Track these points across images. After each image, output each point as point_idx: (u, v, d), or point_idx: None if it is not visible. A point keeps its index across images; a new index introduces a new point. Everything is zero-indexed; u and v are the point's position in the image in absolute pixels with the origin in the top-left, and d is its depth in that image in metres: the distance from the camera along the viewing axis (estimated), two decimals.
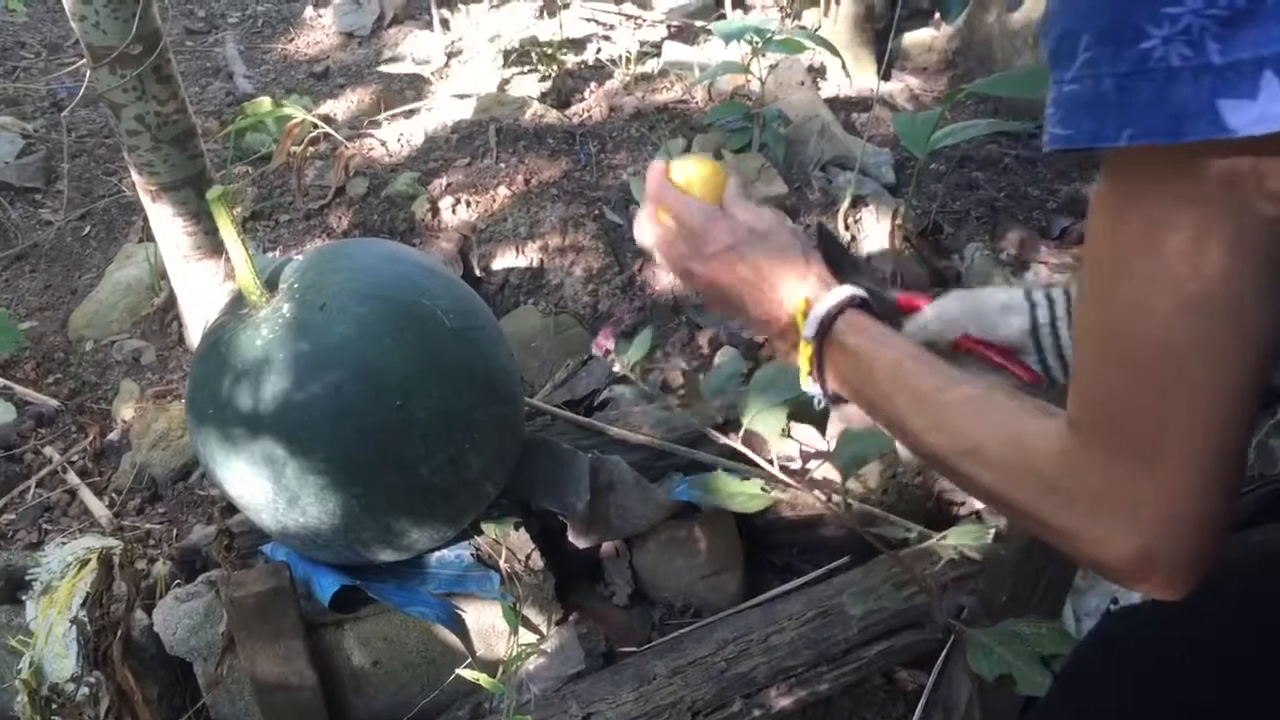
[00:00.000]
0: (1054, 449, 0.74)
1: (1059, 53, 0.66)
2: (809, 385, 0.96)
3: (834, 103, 3.22)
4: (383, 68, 3.60)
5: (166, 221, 2.03)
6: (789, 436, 2.02)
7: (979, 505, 2.08)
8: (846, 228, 2.62)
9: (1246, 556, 1.09)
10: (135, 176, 2.02)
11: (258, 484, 1.60)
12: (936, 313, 1.10)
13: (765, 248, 1.00)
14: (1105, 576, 0.75)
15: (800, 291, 0.96)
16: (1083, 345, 0.72)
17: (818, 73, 3.42)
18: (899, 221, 2.57)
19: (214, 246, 2.04)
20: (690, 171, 1.07)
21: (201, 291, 2.11)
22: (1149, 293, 0.65)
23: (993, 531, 1.64)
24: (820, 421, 2.11)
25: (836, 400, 0.97)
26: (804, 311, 0.94)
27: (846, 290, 0.94)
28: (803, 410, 2.06)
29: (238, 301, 1.69)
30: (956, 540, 1.79)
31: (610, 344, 1.94)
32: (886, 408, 0.89)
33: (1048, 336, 1.06)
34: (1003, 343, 1.08)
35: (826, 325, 0.93)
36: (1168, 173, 0.63)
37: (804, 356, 0.94)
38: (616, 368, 2.03)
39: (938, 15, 3.59)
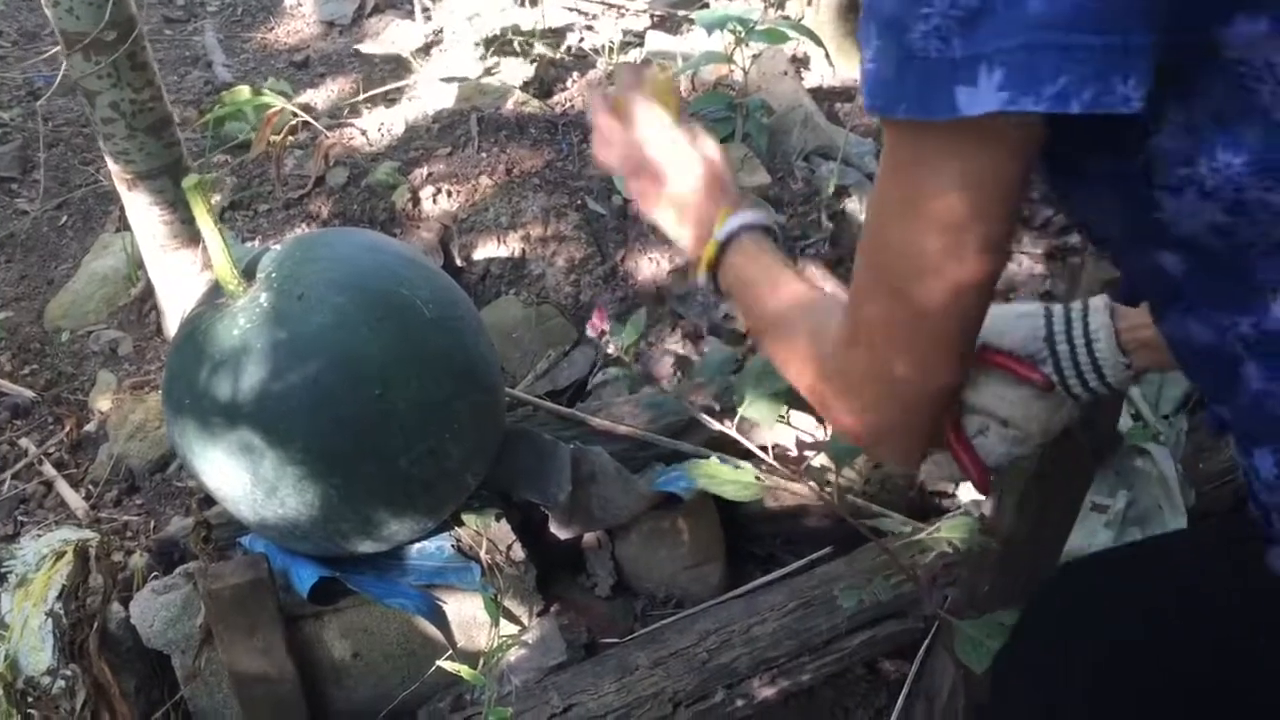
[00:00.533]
0: (836, 339, 0.91)
1: (863, 36, 0.78)
2: (702, 278, 1.09)
3: (817, 92, 3.21)
4: (362, 48, 3.57)
5: (143, 210, 2.01)
6: (786, 423, 2.01)
7: (962, 496, 2.08)
8: (829, 217, 2.61)
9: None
10: (111, 165, 1.99)
11: (235, 475, 1.58)
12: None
13: (716, 158, 1.13)
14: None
15: (727, 200, 1.10)
16: (857, 259, 0.88)
17: (801, 62, 3.41)
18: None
19: (191, 235, 2.02)
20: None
21: (179, 281, 2.09)
22: (904, 225, 0.80)
23: (978, 522, 1.64)
24: (814, 412, 2.11)
25: (717, 294, 1.11)
26: (725, 216, 1.07)
27: (765, 217, 1.09)
28: (795, 400, 2.05)
29: (215, 291, 1.67)
30: (948, 533, 1.79)
31: (605, 325, 1.93)
32: (753, 304, 1.04)
33: (1062, 344, 1.10)
34: (1010, 347, 1.10)
35: (735, 234, 1.07)
36: (930, 139, 0.76)
37: (708, 252, 1.07)
38: (610, 349, 2.02)
39: None
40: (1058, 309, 1.13)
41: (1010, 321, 1.12)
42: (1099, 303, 1.11)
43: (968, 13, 0.70)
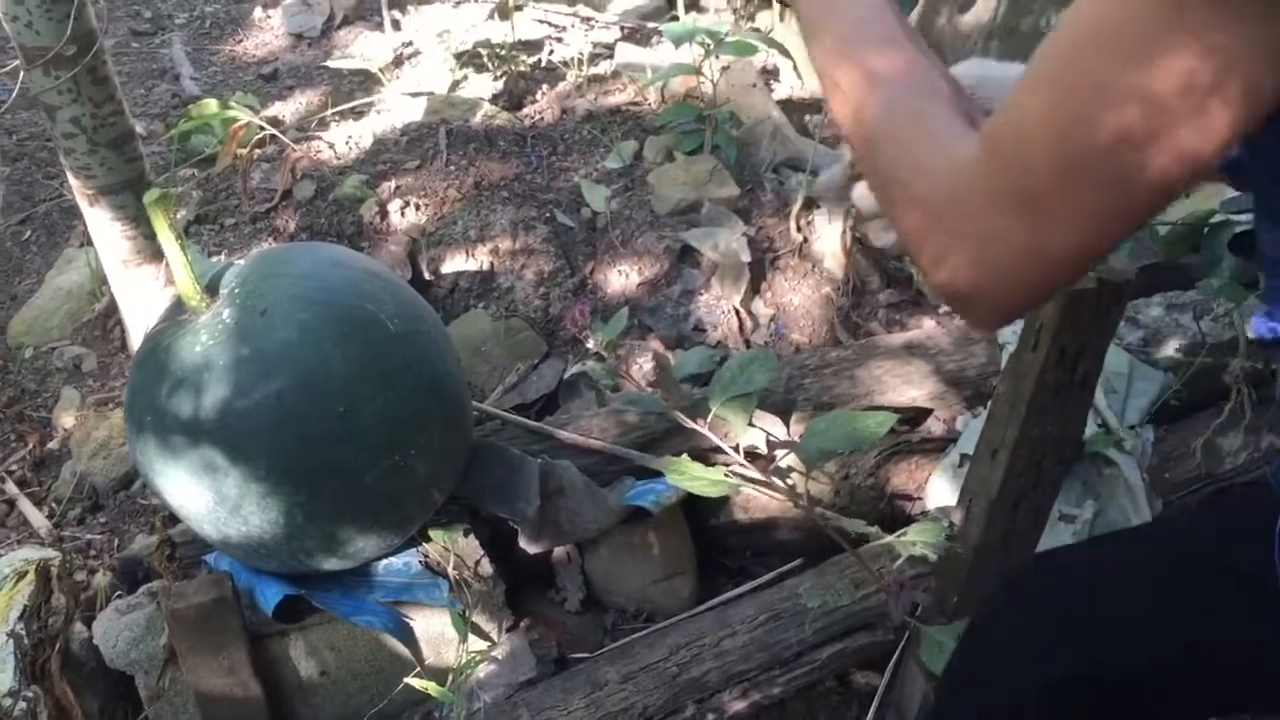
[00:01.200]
0: (957, 160, 0.73)
1: None
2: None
3: (786, 104, 3.22)
4: (331, 63, 3.56)
5: (105, 226, 1.99)
6: (753, 425, 2.01)
7: (930, 505, 2.08)
8: (799, 229, 2.62)
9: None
10: (72, 180, 1.97)
11: (198, 493, 1.57)
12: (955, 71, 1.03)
13: None
14: (932, 290, 0.74)
15: None
16: (1030, 83, 0.69)
17: (770, 74, 3.42)
18: (851, 223, 2.57)
19: (154, 251, 2.00)
20: None
21: (143, 297, 2.07)
22: (1114, 76, 0.63)
23: (947, 530, 1.64)
24: (784, 414, 2.11)
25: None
26: None
27: None
28: (761, 409, 2.06)
29: (177, 307, 1.66)
30: (916, 538, 1.79)
31: (585, 320, 1.92)
32: (845, 51, 0.85)
33: None
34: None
35: None
36: None
37: None
38: (590, 344, 2.01)
39: None
40: None
41: (1001, 87, 0.97)
42: None
43: None
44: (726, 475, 1.63)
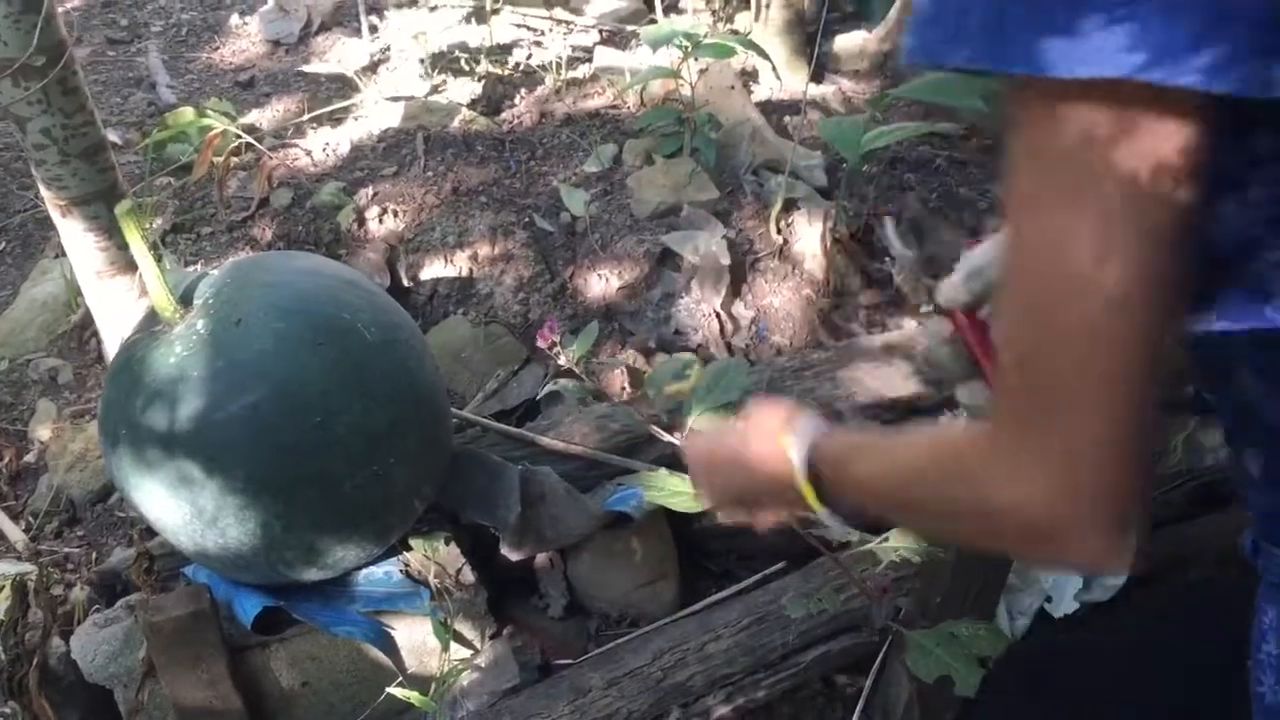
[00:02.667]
0: (977, 440, 0.74)
1: None
2: (827, 519, 0.94)
3: (766, 106, 3.22)
4: (308, 69, 3.54)
5: (78, 237, 1.97)
6: None
7: None
8: (779, 231, 2.61)
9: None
10: (44, 191, 1.96)
11: (175, 506, 1.55)
12: (972, 260, 1.02)
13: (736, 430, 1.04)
14: (1032, 556, 0.81)
15: (777, 439, 0.96)
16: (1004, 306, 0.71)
17: (750, 76, 3.42)
18: (831, 224, 2.57)
19: (128, 262, 1.98)
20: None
21: (118, 308, 2.05)
22: (1038, 224, 0.64)
23: None
24: None
25: (858, 517, 0.95)
26: (786, 442, 0.94)
27: (809, 425, 0.94)
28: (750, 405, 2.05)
29: (151, 318, 1.64)
30: (898, 543, 1.79)
31: (555, 337, 1.91)
32: (872, 491, 0.88)
33: None
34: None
35: (811, 453, 0.92)
36: (1045, 119, 0.61)
37: (809, 495, 0.93)
38: (562, 361, 2.01)
39: None
40: None
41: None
42: None
43: None
44: None
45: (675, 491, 1.84)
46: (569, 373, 2.04)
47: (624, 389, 2.33)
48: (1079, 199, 0.61)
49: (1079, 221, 0.61)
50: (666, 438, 1.93)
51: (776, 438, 0.95)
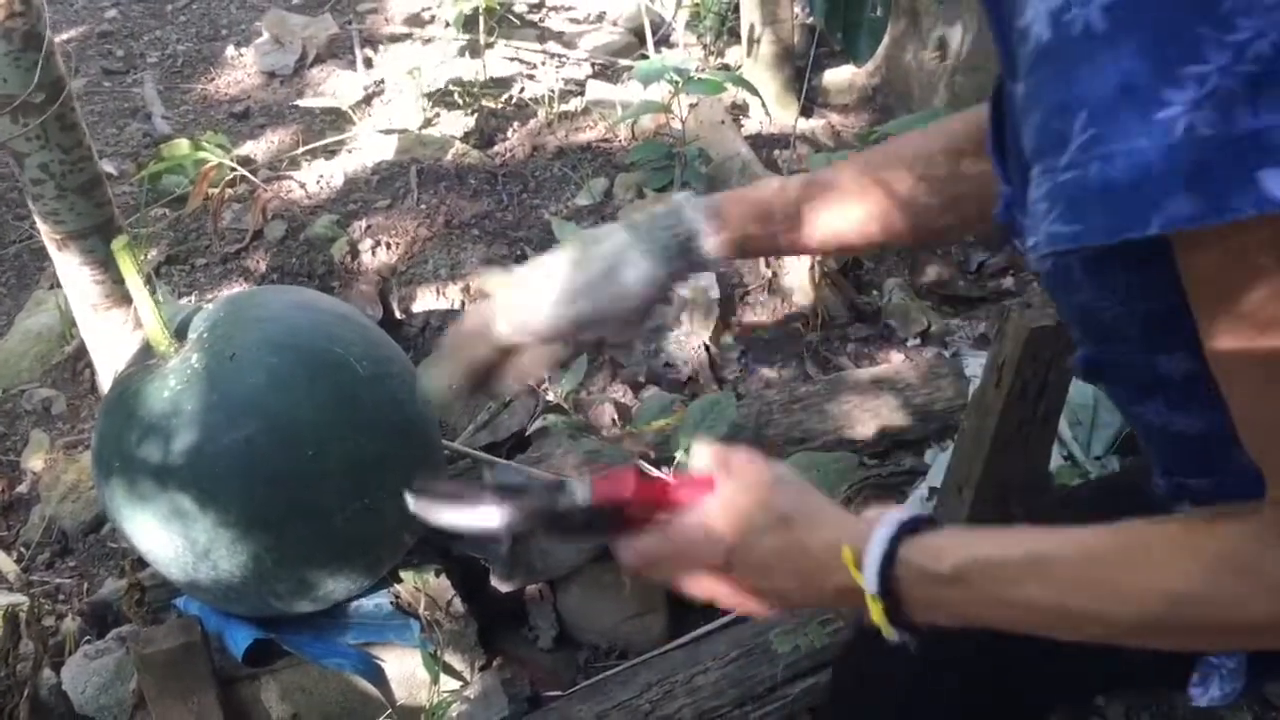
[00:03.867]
0: (1260, 550, 0.65)
1: (1047, 135, 0.58)
2: (894, 635, 0.79)
3: (755, 140, 3.26)
4: (302, 102, 3.57)
5: (74, 270, 1.99)
6: None
7: None
8: (767, 265, 2.64)
9: None
10: (41, 225, 1.98)
11: (167, 539, 1.57)
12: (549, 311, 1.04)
13: (766, 526, 0.83)
14: None
15: (833, 541, 0.81)
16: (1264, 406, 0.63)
17: (740, 110, 3.46)
18: (819, 258, 2.60)
19: (124, 294, 2.00)
20: None
21: (112, 340, 2.07)
22: None
23: None
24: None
25: (929, 636, 0.81)
26: (854, 563, 0.78)
27: (890, 519, 0.78)
28: (739, 438, 2.07)
29: (145, 352, 1.66)
30: None
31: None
32: (1025, 611, 0.74)
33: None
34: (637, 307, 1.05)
35: (889, 567, 0.77)
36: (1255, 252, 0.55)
37: (876, 611, 0.78)
38: (550, 396, 2.03)
39: None
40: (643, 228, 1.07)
41: (607, 300, 1.04)
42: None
43: (1263, 67, 0.51)
44: None
45: None
46: (557, 408, 2.06)
47: (613, 422, 2.35)
48: None
49: None
50: (655, 473, 1.95)
51: (828, 537, 0.81)
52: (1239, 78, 0.51)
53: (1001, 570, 0.74)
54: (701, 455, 0.91)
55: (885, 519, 0.78)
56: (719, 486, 0.86)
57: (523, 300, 1.08)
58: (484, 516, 0.89)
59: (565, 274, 1.06)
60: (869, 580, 0.77)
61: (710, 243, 1.06)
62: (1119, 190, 0.54)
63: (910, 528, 0.78)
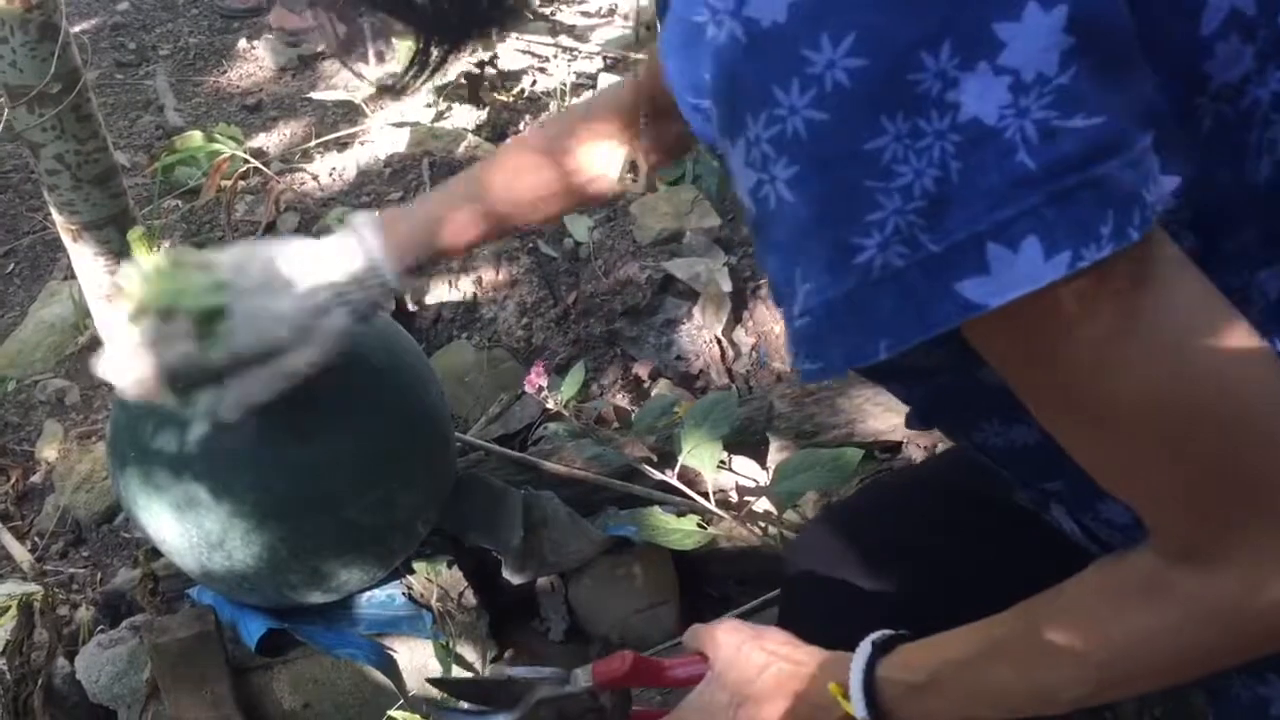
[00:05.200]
0: (1163, 571, 0.68)
1: (778, 291, 0.66)
2: None
3: None
4: (315, 94, 3.58)
5: (89, 261, 2.00)
6: (727, 469, 2.03)
7: None
8: None
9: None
10: (56, 215, 1.98)
11: (181, 529, 1.57)
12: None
13: (749, 682, 0.90)
14: None
15: (820, 679, 0.86)
16: (1121, 461, 0.67)
17: None
18: None
19: None
20: None
21: None
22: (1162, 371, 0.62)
23: None
24: (759, 451, 2.12)
25: None
26: (843, 694, 0.83)
27: (864, 648, 0.83)
28: (740, 442, 2.08)
29: None
30: None
31: (543, 380, 1.93)
32: (1002, 696, 0.77)
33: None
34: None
35: (871, 690, 0.82)
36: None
37: None
38: (550, 404, 2.03)
39: None
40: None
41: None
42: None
43: (929, 199, 0.57)
44: (700, 524, 1.65)
45: (669, 529, 1.86)
46: (558, 415, 2.06)
47: (615, 426, 2.34)
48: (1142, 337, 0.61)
49: (1156, 354, 0.61)
50: (658, 476, 1.95)
51: (818, 678, 0.86)
52: (913, 213, 0.58)
53: (967, 665, 0.78)
54: (693, 635, 0.99)
55: (861, 645, 0.83)
56: (712, 661, 0.93)
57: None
58: (500, 714, 1.02)
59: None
60: (856, 706, 0.81)
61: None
62: (843, 329, 0.62)
63: (883, 648, 0.83)
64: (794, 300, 0.64)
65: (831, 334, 0.62)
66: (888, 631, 0.84)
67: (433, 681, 1.15)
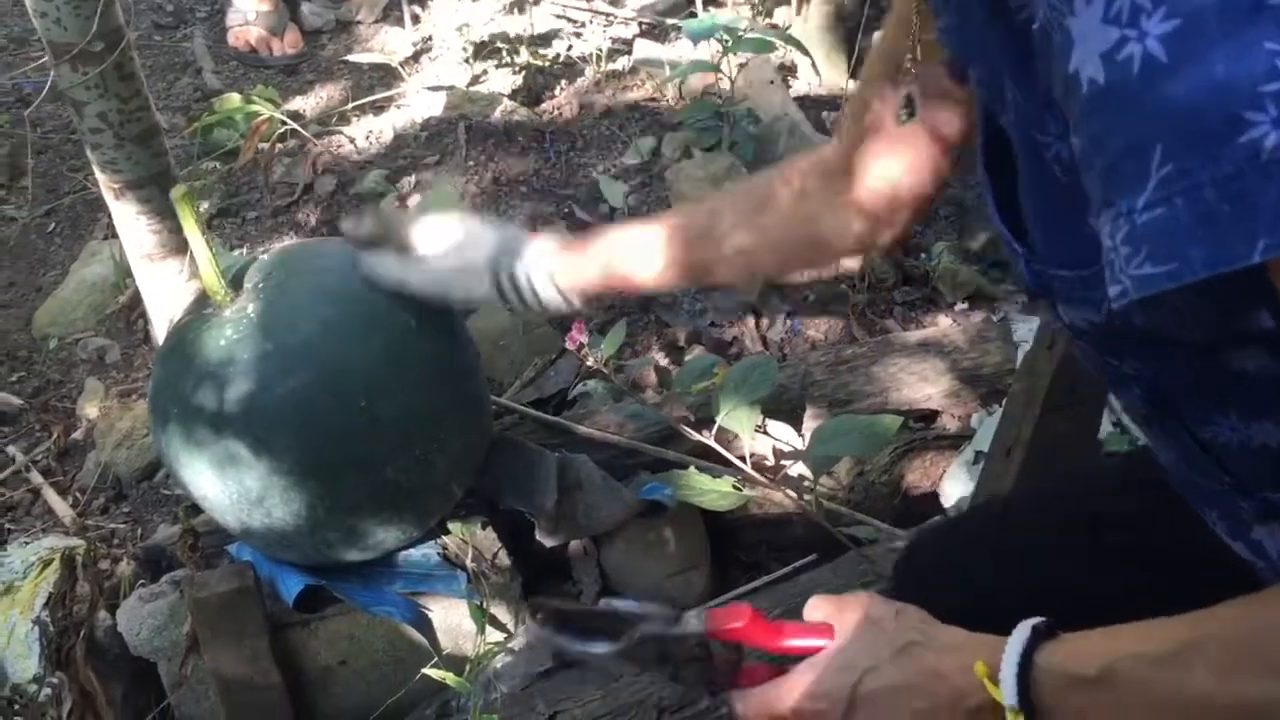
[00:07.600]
0: None
1: (1119, 177, 0.54)
2: None
3: (804, 101, 3.23)
4: (351, 57, 3.58)
5: (130, 220, 2.01)
6: (764, 433, 2.03)
7: (945, 502, 2.09)
8: None
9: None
10: (99, 174, 2.00)
11: (221, 486, 1.59)
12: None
13: (878, 661, 0.81)
14: None
15: (963, 659, 0.77)
16: None
17: (789, 71, 3.43)
18: None
19: (178, 245, 2.02)
20: None
21: (167, 290, 2.09)
22: None
23: None
24: (794, 418, 2.12)
25: None
26: (990, 677, 0.74)
27: (1022, 630, 0.74)
28: (776, 406, 2.08)
29: (202, 301, 1.68)
30: None
31: (583, 337, 1.94)
32: (1188, 709, 0.67)
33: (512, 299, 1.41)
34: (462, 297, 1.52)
35: (1026, 678, 0.72)
36: None
37: None
38: (590, 362, 2.03)
39: None
40: (503, 275, 1.40)
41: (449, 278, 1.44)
42: (539, 269, 1.36)
43: None
44: (736, 486, 1.65)
45: (705, 490, 1.87)
46: (598, 373, 2.07)
47: (654, 387, 2.35)
48: None
49: None
50: (695, 436, 1.95)
51: (960, 659, 0.77)
52: None
53: (1155, 662, 0.67)
54: (817, 607, 0.89)
55: (1019, 627, 0.74)
56: (838, 632, 0.85)
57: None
58: (599, 642, 0.94)
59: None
60: (1006, 692, 0.72)
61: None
62: (1213, 221, 0.50)
63: (1046, 632, 0.73)
64: (1140, 189, 0.53)
65: (1196, 227, 0.50)
66: (1047, 620, 0.74)
67: (534, 604, 1.04)
